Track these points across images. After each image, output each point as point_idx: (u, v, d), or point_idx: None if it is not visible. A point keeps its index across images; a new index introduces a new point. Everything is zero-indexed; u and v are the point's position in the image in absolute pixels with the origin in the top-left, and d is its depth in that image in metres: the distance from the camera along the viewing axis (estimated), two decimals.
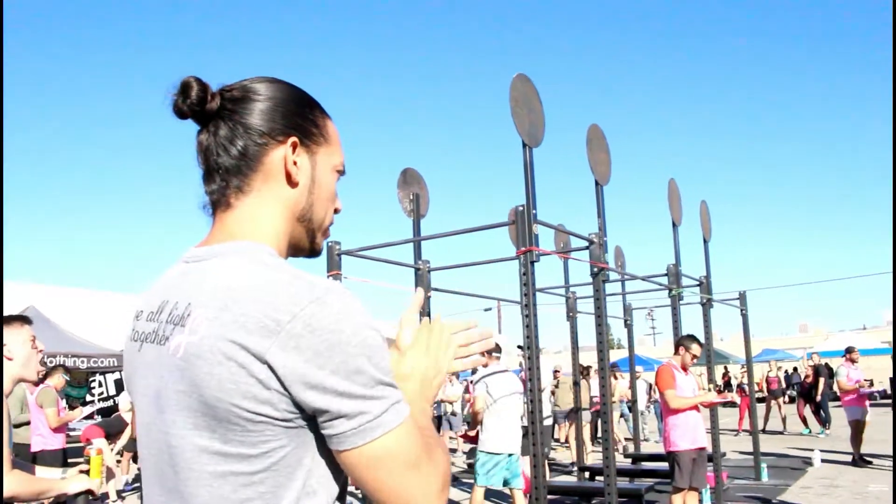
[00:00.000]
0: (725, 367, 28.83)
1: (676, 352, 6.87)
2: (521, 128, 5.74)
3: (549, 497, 7.06)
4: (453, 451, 15.38)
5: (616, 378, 15.01)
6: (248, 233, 1.11)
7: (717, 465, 8.68)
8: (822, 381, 16.39)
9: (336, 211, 1.23)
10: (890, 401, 25.08)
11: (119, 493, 10.41)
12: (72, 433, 9.54)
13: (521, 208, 5.66)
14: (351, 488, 4.69)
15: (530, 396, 5.57)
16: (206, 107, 1.11)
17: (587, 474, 10.05)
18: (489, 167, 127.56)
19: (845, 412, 11.80)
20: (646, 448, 13.63)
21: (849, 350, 12.50)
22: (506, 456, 6.97)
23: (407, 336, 1.26)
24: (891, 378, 11.01)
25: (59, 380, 8.31)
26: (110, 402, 16.88)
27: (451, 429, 16.02)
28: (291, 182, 1.14)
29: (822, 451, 12.15)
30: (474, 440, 8.10)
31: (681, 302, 8.90)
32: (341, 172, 1.23)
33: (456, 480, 10.61)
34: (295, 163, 1.14)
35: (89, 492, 2.99)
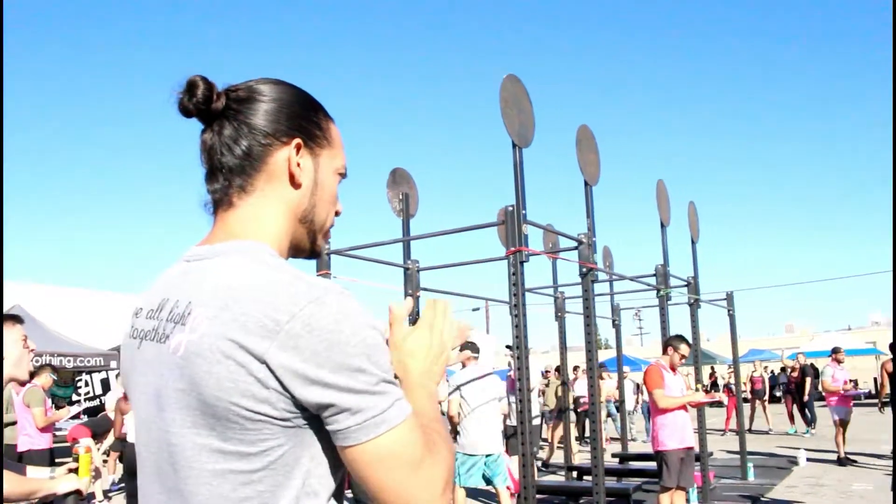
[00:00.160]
0: (712, 368, 28.96)
1: (665, 352, 6.90)
2: (510, 128, 5.75)
3: (537, 497, 7.09)
4: None
5: (602, 378, 15.05)
6: (250, 232, 1.12)
7: (704, 464, 8.73)
8: (808, 381, 16.52)
9: (337, 213, 1.24)
10: (874, 400, 25.31)
11: (105, 493, 10.36)
12: (58, 433, 9.48)
13: (510, 208, 5.67)
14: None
15: (519, 396, 5.58)
16: (211, 106, 1.12)
17: (575, 474, 10.09)
18: (478, 167, 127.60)
19: (830, 412, 11.90)
20: (633, 448, 13.68)
21: (835, 350, 12.59)
22: (482, 457, 7.12)
23: (400, 333, 1.26)
24: (891, 377, 11.08)
25: (46, 379, 8.25)
26: (97, 402, 16.78)
27: None
28: (294, 183, 1.15)
29: (807, 450, 12.24)
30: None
31: (669, 302, 8.94)
32: (343, 175, 1.23)
33: None
34: (298, 164, 1.14)
35: (78, 492, 2.97)
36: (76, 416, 14.09)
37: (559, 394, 13.35)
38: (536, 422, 11.80)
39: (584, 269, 6.56)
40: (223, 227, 1.14)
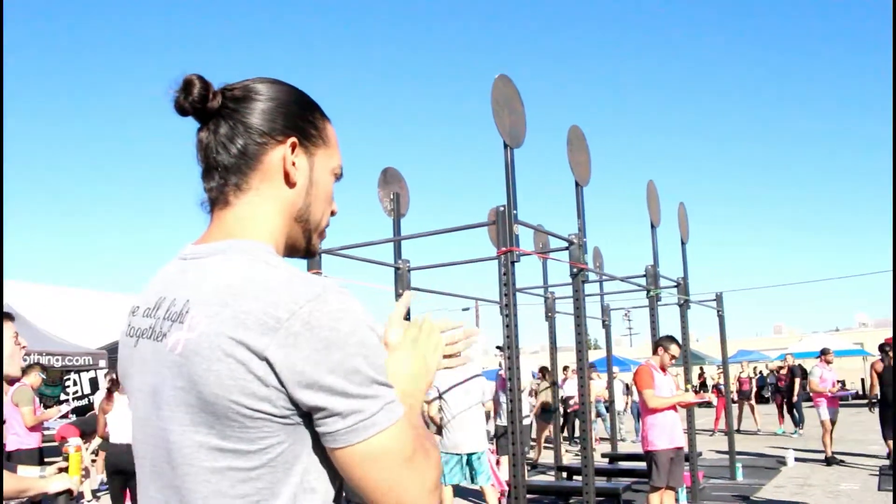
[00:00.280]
0: (701, 368, 29.07)
1: (655, 352, 6.93)
2: (502, 128, 5.76)
3: (527, 496, 7.10)
4: None
5: (592, 378, 15.09)
6: (246, 231, 1.12)
7: (693, 464, 8.76)
8: (797, 381, 16.62)
9: (332, 213, 1.24)
10: (861, 401, 25.46)
11: (94, 493, 10.32)
12: (46, 432, 9.44)
13: (501, 209, 5.67)
14: None
15: (510, 396, 5.59)
16: (207, 104, 1.12)
17: (565, 474, 10.11)
18: (469, 167, 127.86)
19: (817, 412, 11.97)
20: (622, 448, 13.71)
21: (824, 352, 12.68)
22: (462, 456, 7.17)
23: (394, 335, 1.27)
24: (880, 376, 11.19)
25: (35, 378, 8.21)
26: (85, 401, 16.68)
27: None
28: (289, 182, 1.15)
29: (795, 450, 12.31)
30: None
31: (658, 303, 8.97)
32: (339, 176, 1.24)
33: None
34: (294, 163, 1.15)
35: (69, 491, 2.97)
36: (65, 416, 14.00)
37: (538, 392, 13.39)
38: (527, 422, 11.82)
39: (575, 270, 6.57)
40: (220, 225, 1.14)
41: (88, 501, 9.78)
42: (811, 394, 12.38)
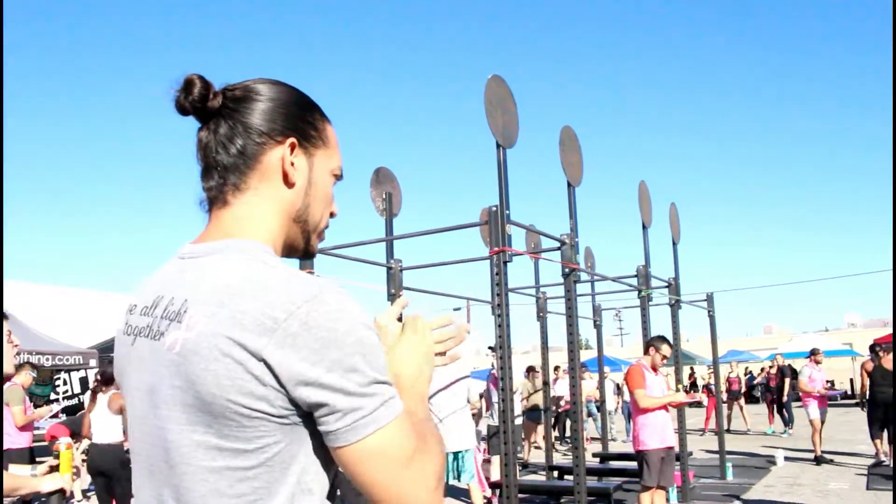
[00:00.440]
0: (692, 368, 29.16)
1: (646, 352, 6.95)
2: (495, 128, 5.76)
3: (518, 496, 7.12)
4: None
5: (583, 378, 15.11)
6: (245, 231, 1.12)
7: (683, 464, 8.80)
8: (786, 381, 16.70)
9: (332, 214, 1.25)
10: (850, 401, 25.61)
11: (84, 493, 10.27)
12: (36, 432, 9.39)
13: (494, 209, 5.66)
14: None
15: (502, 396, 5.60)
16: (207, 104, 1.13)
17: (556, 473, 10.13)
18: (462, 167, 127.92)
19: (806, 412, 12.04)
20: (613, 447, 13.75)
21: (813, 352, 12.74)
22: (450, 454, 7.22)
23: (390, 335, 1.27)
24: (870, 375, 11.29)
25: (26, 377, 8.17)
26: (75, 401, 16.62)
27: None
28: (288, 182, 1.15)
29: (785, 449, 12.37)
30: None
31: (650, 303, 9.00)
32: (338, 177, 1.24)
33: None
34: (292, 163, 1.15)
35: (61, 490, 2.96)
36: (55, 416, 13.93)
37: (532, 393, 13.40)
38: (518, 421, 11.83)
39: (567, 270, 6.58)
40: (218, 224, 1.14)
41: (78, 501, 9.74)
42: (800, 394, 12.44)
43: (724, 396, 17.95)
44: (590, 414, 16.54)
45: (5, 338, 2.86)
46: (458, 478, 7.32)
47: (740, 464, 11.57)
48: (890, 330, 31.96)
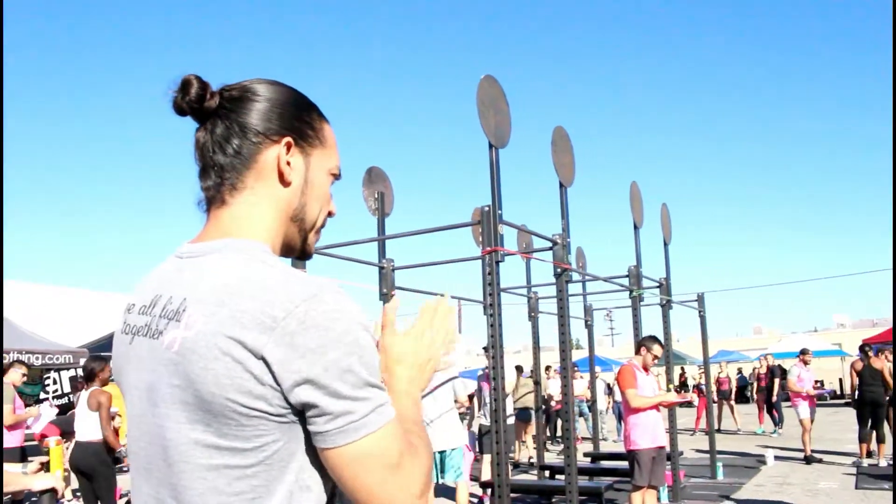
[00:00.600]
0: (682, 368, 29.25)
1: (638, 352, 6.97)
2: (487, 128, 5.76)
3: (510, 495, 7.13)
4: None
5: (574, 378, 15.11)
6: (242, 230, 1.13)
7: (674, 463, 8.82)
8: (776, 381, 16.79)
9: (330, 214, 1.25)
10: (839, 401, 25.76)
11: (74, 493, 10.22)
12: (27, 431, 9.35)
13: (486, 209, 5.67)
14: None
15: (494, 396, 5.60)
16: (204, 104, 1.13)
17: (547, 473, 10.14)
18: (454, 167, 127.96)
19: (795, 411, 12.10)
20: (604, 447, 13.78)
21: (803, 352, 12.81)
22: (436, 453, 7.18)
23: (390, 336, 1.27)
24: (859, 375, 11.37)
25: (16, 375, 8.12)
26: (65, 400, 16.52)
27: None
28: (284, 181, 1.16)
29: (774, 449, 12.42)
30: None
31: (641, 303, 9.02)
32: (336, 176, 1.25)
33: None
34: (288, 163, 1.15)
35: (53, 490, 2.96)
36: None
37: (522, 392, 13.41)
38: (510, 421, 11.84)
39: (559, 270, 6.58)
40: (216, 224, 1.14)
41: (69, 501, 9.70)
42: (790, 394, 12.51)
43: (714, 396, 18.03)
44: (581, 414, 16.56)
45: None
46: (443, 475, 7.31)
47: (731, 463, 11.62)
48: (878, 330, 32.18)
